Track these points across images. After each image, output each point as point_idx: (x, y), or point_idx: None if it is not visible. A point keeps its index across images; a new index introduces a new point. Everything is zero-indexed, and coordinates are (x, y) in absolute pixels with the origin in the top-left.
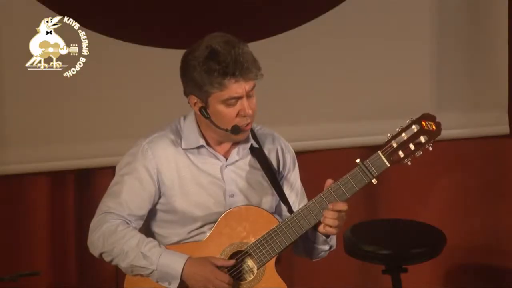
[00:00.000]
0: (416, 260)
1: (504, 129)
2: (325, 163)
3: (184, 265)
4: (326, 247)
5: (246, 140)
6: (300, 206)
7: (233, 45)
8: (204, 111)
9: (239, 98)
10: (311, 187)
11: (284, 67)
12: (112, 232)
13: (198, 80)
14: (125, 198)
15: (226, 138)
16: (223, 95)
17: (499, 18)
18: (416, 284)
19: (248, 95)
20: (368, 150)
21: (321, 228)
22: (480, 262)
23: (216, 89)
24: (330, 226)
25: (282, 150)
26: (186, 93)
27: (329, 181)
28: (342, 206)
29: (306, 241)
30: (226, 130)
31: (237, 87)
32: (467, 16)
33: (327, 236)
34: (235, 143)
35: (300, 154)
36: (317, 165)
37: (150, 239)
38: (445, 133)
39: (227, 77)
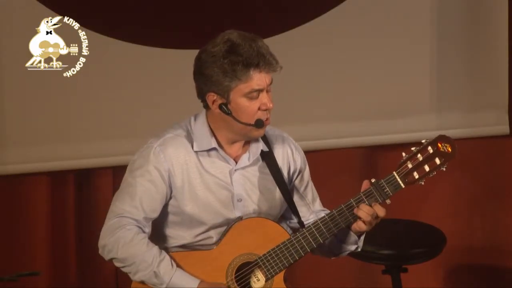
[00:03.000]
0: (416, 260)
1: (504, 129)
2: (325, 163)
3: None
4: (353, 247)
5: (256, 144)
6: (312, 221)
7: (251, 38)
8: (225, 108)
9: (260, 91)
10: None
11: (284, 67)
12: (128, 242)
13: (218, 75)
14: (140, 201)
15: (242, 136)
16: (246, 87)
17: (499, 18)
18: (416, 284)
19: (267, 89)
20: (368, 150)
21: (355, 225)
22: (480, 262)
23: (240, 81)
24: (363, 221)
25: (292, 152)
26: (203, 92)
27: (366, 183)
28: (381, 212)
29: (332, 239)
30: (250, 124)
31: (259, 79)
32: (467, 16)
33: (359, 236)
34: (246, 145)
35: None
36: (317, 165)
37: (164, 255)
38: (445, 133)
39: (251, 68)
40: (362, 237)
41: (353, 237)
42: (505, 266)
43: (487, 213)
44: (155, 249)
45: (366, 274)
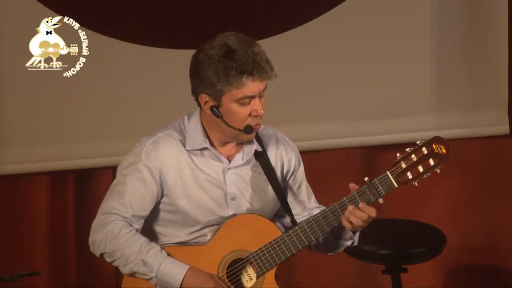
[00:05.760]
0: (416, 260)
1: (504, 129)
2: (325, 163)
3: (184, 276)
4: (349, 243)
5: (250, 144)
6: (305, 218)
7: (248, 44)
8: (215, 110)
9: (252, 97)
10: (311, 187)
11: (284, 67)
12: (115, 235)
13: (212, 78)
14: (129, 199)
15: (232, 138)
16: (238, 93)
17: (499, 18)
18: (416, 284)
19: (260, 95)
20: (368, 150)
21: (348, 226)
22: (480, 262)
23: (232, 87)
24: (351, 224)
25: (286, 151)
26: (197, 92)
27: (352, 185)
28: (372, 212)
29: (328, 235)
30: (239, 129)
31: (252, 86)
32: (467, 16)
33: (354, 232)
34: (239, 145)
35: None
36: (316, 165)
37: (153, 244)
38: (445, 133)
39: (245, 75)
40: (358, 233)
41: (348, 233)
42: (505, 266)
43: (487, 213)
44: (143, 239)
45: (366, 274)
